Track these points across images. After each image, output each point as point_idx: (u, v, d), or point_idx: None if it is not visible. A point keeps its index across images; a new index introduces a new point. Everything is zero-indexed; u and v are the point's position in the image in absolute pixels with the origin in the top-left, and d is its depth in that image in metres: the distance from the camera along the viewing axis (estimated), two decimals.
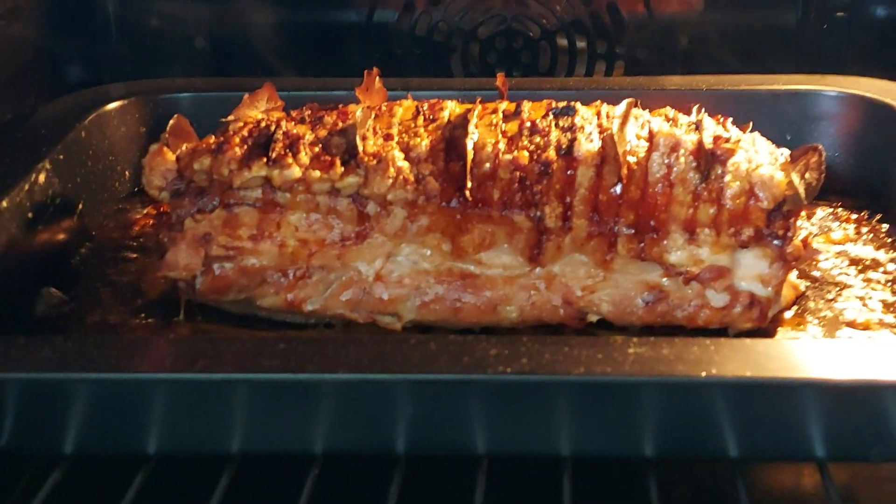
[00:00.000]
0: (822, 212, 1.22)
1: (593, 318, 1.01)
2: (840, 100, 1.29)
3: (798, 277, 1.07)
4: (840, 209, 1.22)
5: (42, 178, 1.14)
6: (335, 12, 1.56)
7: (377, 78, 1.13)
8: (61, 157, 1.18)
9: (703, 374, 0.78)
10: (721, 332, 1.00)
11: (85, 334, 0.99)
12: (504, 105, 1.07)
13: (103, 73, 1.53)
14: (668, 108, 1.06)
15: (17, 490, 0.89)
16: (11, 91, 1.32)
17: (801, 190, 0.97)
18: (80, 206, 1.20)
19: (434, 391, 0.81)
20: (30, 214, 1.10)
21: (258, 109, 1.12)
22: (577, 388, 0.80)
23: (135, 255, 1.18)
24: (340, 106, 1.08)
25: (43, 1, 1.41)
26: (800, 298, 1.06)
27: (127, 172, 1.31)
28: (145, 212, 1.27)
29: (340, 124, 1.04)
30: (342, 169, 0.98)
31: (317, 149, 1.00)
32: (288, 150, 0.99)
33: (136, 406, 0.83)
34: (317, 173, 0.98)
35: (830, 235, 1.17)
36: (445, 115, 1.05)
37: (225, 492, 0.84)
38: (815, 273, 1.10)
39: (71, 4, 1.49)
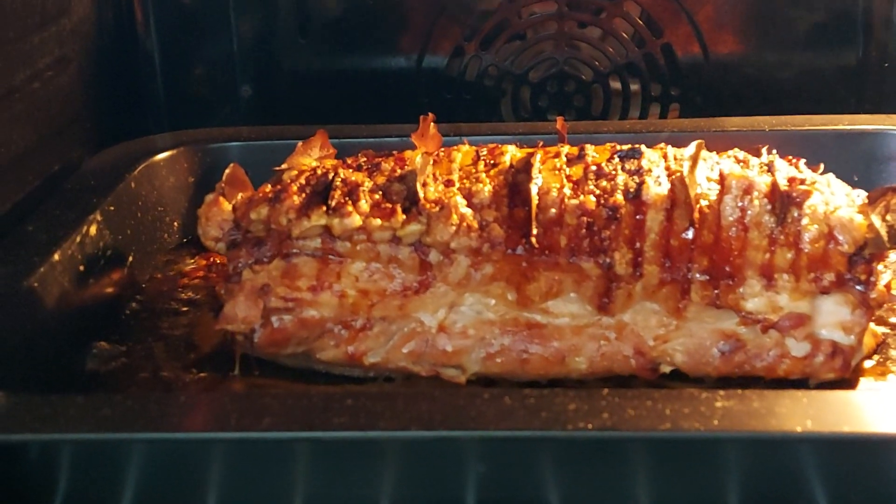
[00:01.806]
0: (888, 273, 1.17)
1: (666, 368, 0.97)
2: None
3: (876, 324, 1.03)
4: None
5: (93, 229, 1.11)
6: (383, 58, 1.54)
7: (432, 123, 1.11)
8: (111, 208, 1.16)
9: (799, 429, 0.73)
10: (801, 383, 0.96)
11: (144, 392, 0.96)
12: (566, 149, 1.04)
13: (149, 123, 1.51)
14: (736, 149, 1.03)
15: None
16: (59, 142, 1.30)
17: (884, 232, 0.93)
18: (131, 259, 1.18)
19: (510, 448, 0.77)
20: (81, 267, 1.07)
21: (311, 157, 1.09)
22: (662, 446, 0.75)
23: (186, 308, 1.15)
24: (396, 152, 1.06)
25: (90, 52, 1.39)
26: (880, 346, 1.01)
27: (176, 223, 1.29)
28: (195, 263, 1.25)
29: (399, 171, 1.01)
30: (403, 217, 0.95)
31: (377, 196, 0.97)
32: (347, 198, 0.96)
33: (197, 466, 0.80)
34: (378, 221, 0.95)
35: None
36: (507, 159, 1.02)
37: None
38: (894, 319, 1.06)
39: (116, 54, 1.47)
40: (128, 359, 1.05)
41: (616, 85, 1.51)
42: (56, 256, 1.04)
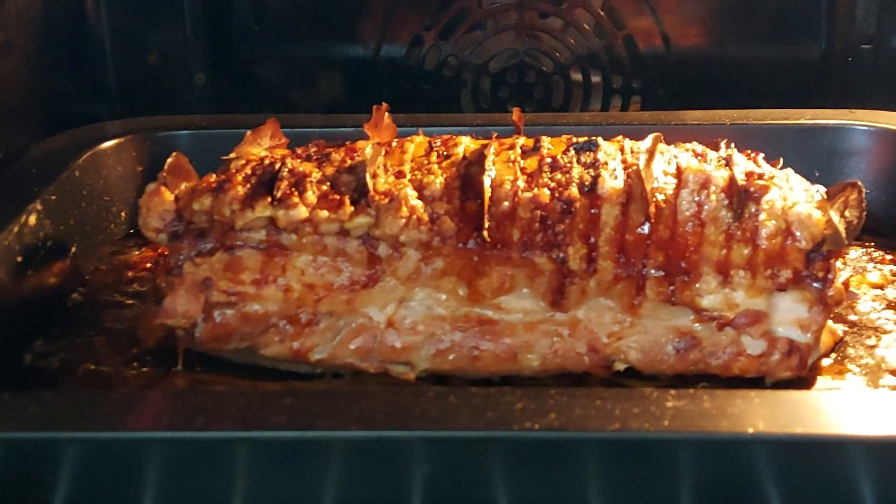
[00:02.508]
0: (855, 252, 1.16)
1: (620, 366, 0.94)
2: (871, 134, 1.23)
3: (834, 322, 1.01)
4: (874, 250, 1.16)
5: (33, 219, 1.07)
6: (340, 47, 1.51)
7: (386, 113, 1.07)
8: (53, 197, 1.12)
9: (751, 430, 0.71)
10: (757, 381, 0.94)
11: (75, 389, 0.93)
12: (521, 140, 1.01)
13: (98, 111, 1.47)
14: (694, 143, 1.00)
15: None
16: (2, 129, 1.26)
17: (842, 229, 0.91)
18: (74, 249, 1.14)
19: (455, 449, 0.75)
20: (19, 258, 1.03)
21: (261, 147, 1.05)
22: (611, 446, 0.73)
23: (130, 301, 1.12)
24: (348, 143, 1.03)
25: (36, 36, 1.35)
26: (838, 345, 0.99)
27: (123, 213, 1.25)
28: (141, 255, 1.21)
29: (349, 161, 0.98)
30: (352, 209, 0.92)
31: (324, 187, 0.94)
32: (294, 189, 0.93)
33: (130, 467, 0.76)
34: (325, 213, 0.92)
35: (866, 277, 1.11)
36: (460, 150, 0.99)
37: None
38: (853, 317, 1.04)
39: (65, 40, 1.43)
40: (67, 353, 1.02)
41: (577, 76, 1.48)
42: None
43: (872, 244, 1.17)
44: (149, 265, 1.19)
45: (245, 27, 1.51)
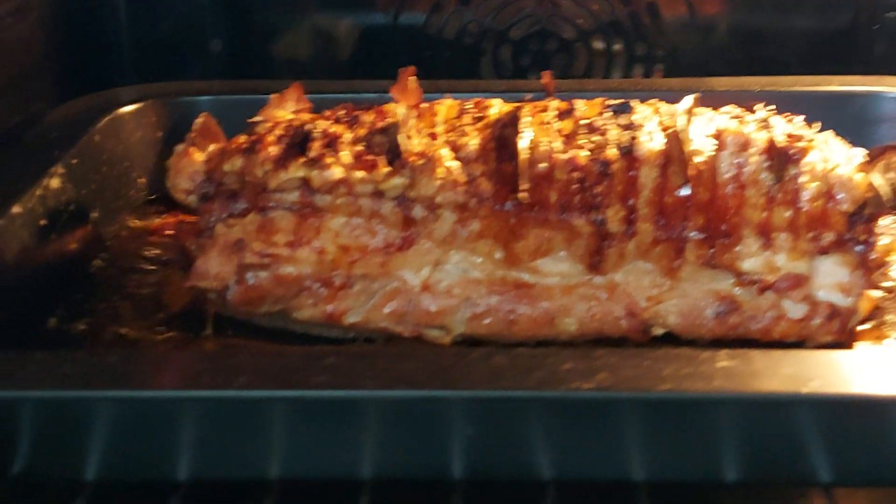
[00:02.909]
0: (887, 219, 1.14)
1: (658, 331, 0.93)
2: None
3: (870, 289, 0.99)
4: None
5: (56, 182, 1.05)
6: (359, 15, 1.48)
7: (412, 77, 1.05)
8: (75, 161, 1.10)
9: (804, 390, 0.69)
10: (797, 346, 0.92)
11: (110, 349, 0.91)
12: (555, 103, 0.99)
13: (113, 77, 1.44)
14: (730, 105, 0.99)
15: None
16: (18, 94, 1.24)
17: (884, 192, 0.90)
18: (95, 214, 1.12)
19: (500, 411, 0.73)
20: (42, 221, 1.02)
21: (286, 110, 1.04)
22: (661, 407, 0.71)
23: (153, 267, 1.10)
24: (376, 106, 1.01)
25: (52, 1, 1.32)
26: (875, 310, 0.98)
27: (142, 180, 1.23)
28: (162, 221, 1.19)
29: (380, 123, 0.96)
30: (387, 169, 0.90)
31: (358, 147, 0.92)
32: (328, 149, 0.91)
33: (166, 427, 0.75)
34: (360, 174, 0.90)
35: None
36: (493, 112, 0.98)
37: None
38: (888, 283, 1.02)
39: (80, 6, 1.41)
40: (92, 318, 1.00)
41: (599, 45, 1.46)
42: (15, 209, 0.98)
43: None
44: (170, 232, 1.17)
45: None
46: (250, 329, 0.96)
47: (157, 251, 1.13)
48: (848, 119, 1.22)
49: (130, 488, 0.80)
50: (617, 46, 1.46)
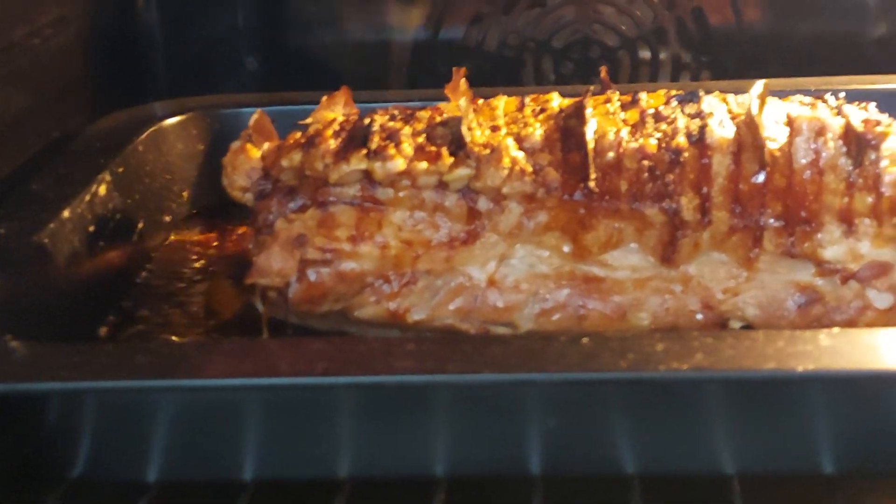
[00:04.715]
0: None
1: (736, 324, 0.89)
2: None
3: None
4: None
5: (103, 189, 1.03)
6: (398, 30, 1.46)
7: (463, 79, 1.03)
8: (120, 169, 1.08)
9: None
10: None
11: (181, 340, 0.87)
12: (617, 95, 0.96)
13: (148, 94, 1.42)
14: (798, 95, 0.96)
15: None
16: (58, 107, 1.22)
17: None
18: (141, 225, 1.09)
19: (591, 393, 0.69)
20: (91, 227, 0.99)
21: (336, 114, 1.01)
22: (767, 387, 0.68)
23: (200, 277, 1.07)
24: (430, 106, 0.98)
25: (90, 15, 1.31)
26: None
27: (185, 193, 1.20)
28: (206, 235, 1.16)
29: (438, 118, 0.93)
30: (451, 160, 0.87)
31: (420, 140, 0.89)
32: (389, 141, 0.88)
33: (236, 421, 0.71)
34: (423, 165, 0.87)
35: None
36: (555, 105, 0.95)
37: None
38: None
39: (116, 22, 1.39)
40: (144, 326, 0.97)
41: (644, 54, 1.44)
42: (66, 213, 0.96)
43: None
44: (215, 243, 1.14)
45: (299, 9, 1.46)
46: (307, 333, 0.93)
47: (203, 262, 1.10)
48: None
49: (195, 489, 0.76)
50: (662, 55, 1.43)
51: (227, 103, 1.28)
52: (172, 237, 1.15)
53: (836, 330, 0.69)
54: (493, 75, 1.44)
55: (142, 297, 1.02)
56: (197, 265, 1.09)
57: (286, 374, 0.66)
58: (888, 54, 1.41)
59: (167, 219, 1.16)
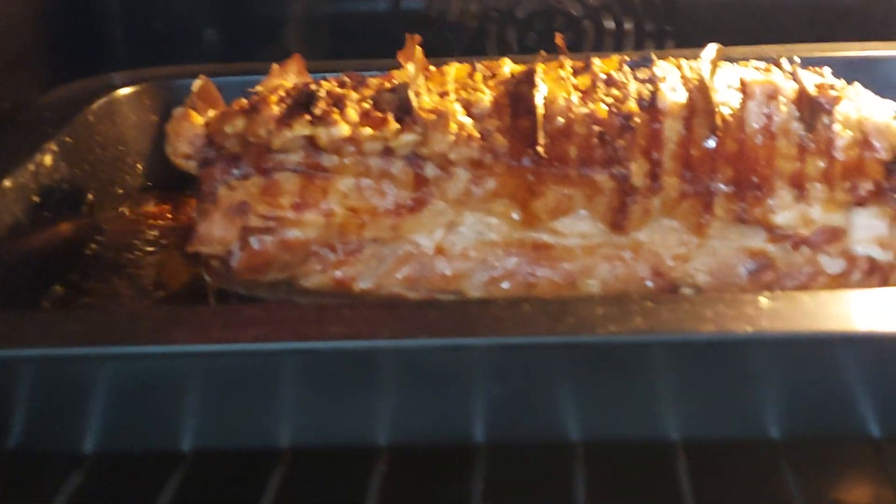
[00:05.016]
0: None
1: (687, 291, 0.88)
2: None
3: None
4: None
5: (48, 159, 1.01)
6: (358, 1, 1.44)
7: (418, 46, 1.01)
8: (69, 139, 1.06)
9: (862, 328, 0.64)
10: None
11: (115, 308, 0.86)
12: (570, 61, 0.95)
13: (105, 67, 1.39)
14: (752, 60, 0.94)
15: (30, 497, 0.74)
16: (7, 79, 1.19)
17: None
18: (90, 197, 1.07)
19: (529, 360, 0.68)
20: (35, 198, 0.97)
21: (288, 82, 0.99)
22: (706, 351, 0.66)
23: (152, 249, 1.05)
24: (383, 73, 0.96)
25: None
26: None
27: (139, 165, 1.18)
28: (160, 207, 1.14)
29: (388, 84, 0.92)
30: (397, 126, 0.86)
31: (366, 105, 0.88)
32: (334, 107, 0.87)
33: (172, 390, 0.70)
34: (368, 131, 0.85)
35: None
36: (506, 71, 0.93)
37: (276, 492, 0.71)
38: None
39: None
40: (90, 298, 0.95)
41: (608, 22, 1.42)
42: (7, 183, 0.94)
43: None
44: (169, 215, 1.13)
45: None
46: (253, 304, 0.91)
47: (155, 233, 1.08)
48: (870, 85, 1.17)
49: (132, 461, 0.75)
50: (627, 24, 1.42)
51: (185, 74, 1.26)
52: (126, 209, 1.13)
53: (777, 293, 0.68)
54: (455, 46, 1.43)
55: (90, 269, 1.00)
56: (149, 237, 1.08)
57: (216, 341, 0.65)
58: (852, 23, 1.40)
59: (120, 191, 1.14)
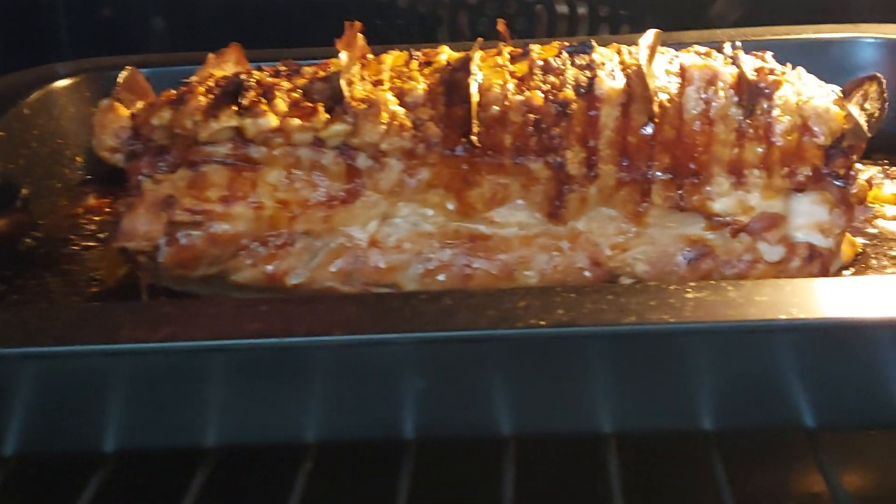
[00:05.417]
0: (869, 170, 1.08)
1: (626, 281, 0.86)
2: (879, 47, 1.16)
3: (853, 235, 0.93)
4: (889, 166, 1.09)
5: None
6: None
7: (359, 34, 0.99)
8: (1, 133, 1.03)
9: (784, 316, 0.63)
10: None
11: (25, 306, 0.84)
12: (508, 48, 0.93)
13: (51, 57, 1.37)
14: (695, 45, 0.93)
15: None
16: None
17: (863, 122, 0.84)
18: (25, 192, 1.05)
19: (452, 355, 0.66)
20: None
21: (224, 72, 0.97)
22: (627, 342, 0.65)
23: (89, 243, 1.03)
24: (319, 62, 0.94)
25: None
26: (858, 257, 0.92)
27: (78, 158, 1.16)
28: (98, 201, 1.12)
29: (321, 74, 0.90)
30: (326, 116, 0.84)
31: (296, 95, 0.86)
32: (262, 98, 0.85)
33: (88, 390, 0.68)
34: (297, 121, 0.83)
35: (882, 192, 1.03)
36: (443, 58, 0.91)
37: (199, 494, 0.69)
38: (872, 230, 0.96)
39: None
40: (20, 295, 0.93)
41: (562, 7, 1.40)
42: None
43: (886, 161, 1.10)
44: (108, 209, 1.10)
45: None
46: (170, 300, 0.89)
47: (93, 228, 1.06)
48: (824, 68, 1.15)
49: (52, 463, 0.73)
50: (581, 9, 1.40)
51: (124, 64, 1.24)
52: (64, 203, 1.11)
53: (702, 283, 0.66)
54: (407, 33, 1.41)
55: (23, 265, 0.98)
56: (87, 231, 1.06)
57: (126, 341, 0.63)
58: (813, 3, 1.38)
59: (58, 184, 1.12)
